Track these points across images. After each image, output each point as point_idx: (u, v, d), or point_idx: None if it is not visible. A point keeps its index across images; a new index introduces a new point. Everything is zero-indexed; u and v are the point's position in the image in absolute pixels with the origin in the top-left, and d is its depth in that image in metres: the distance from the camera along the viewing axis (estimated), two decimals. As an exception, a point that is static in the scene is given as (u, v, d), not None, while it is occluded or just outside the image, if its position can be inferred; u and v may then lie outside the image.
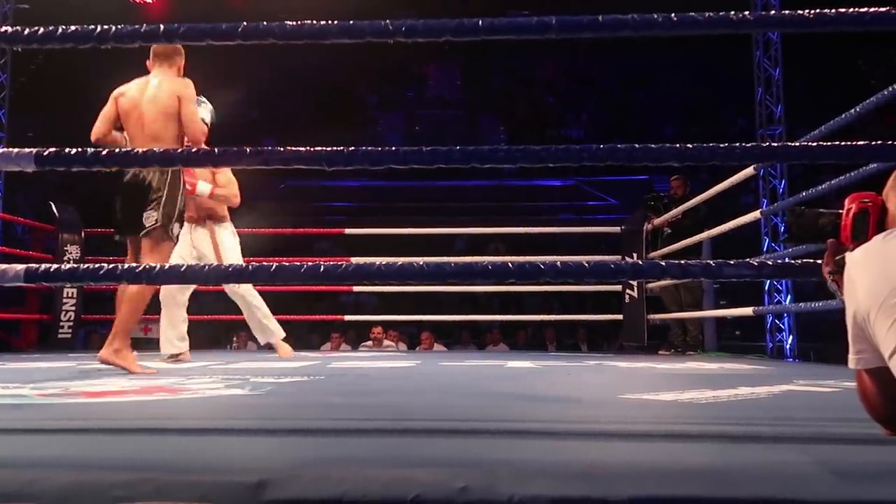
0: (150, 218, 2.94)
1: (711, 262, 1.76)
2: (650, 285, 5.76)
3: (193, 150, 1.87)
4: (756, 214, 4.67)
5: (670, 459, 1.06)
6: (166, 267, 1.84)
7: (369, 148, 1.90)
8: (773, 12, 1.77)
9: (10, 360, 3.87)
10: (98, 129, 3.15)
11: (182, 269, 1.80)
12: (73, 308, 5.74)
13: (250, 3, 10.47)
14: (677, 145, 1.76)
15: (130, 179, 2.99)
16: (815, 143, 2.11)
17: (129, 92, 3.15)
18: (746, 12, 1.76)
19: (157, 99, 3.07)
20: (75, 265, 1.66)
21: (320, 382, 2.51)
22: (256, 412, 1.68)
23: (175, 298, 3.89)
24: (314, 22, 1.83)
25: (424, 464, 1.00)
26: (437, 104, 15.73)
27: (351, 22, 1.84)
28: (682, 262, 1.68)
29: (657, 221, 5.73)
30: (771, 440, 1.27)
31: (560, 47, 13.19)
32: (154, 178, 2.96)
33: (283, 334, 4.28)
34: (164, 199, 2.96)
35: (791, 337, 6.49)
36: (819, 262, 1.76)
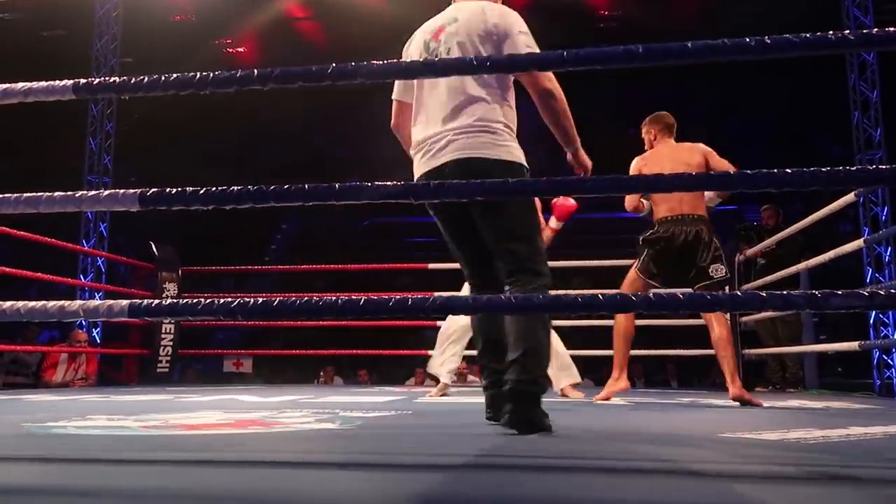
0: (720, 271, 3.46)
1: (816, 293, 1.66)
2: (744, 319, 5.52)
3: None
4: (859, 243, 4.42)
5: (786, 501, 0.99)
6: (259, 302, 1.89)
7: (455, 181, 1.91)
8: (875, 30, 1.68)
9: (113, 393, 4.05)
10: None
11: (275, 303, 1.84)
12: (171, 343, 5.99)
13: (333, 46, 10.86)
14: (775, 171, 1.69)
15: (693, 236, 3.47)
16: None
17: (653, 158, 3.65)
18: (847, 31, 1.68)
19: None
20: (175, 300, 1.72)
21: (408, 417, 2.51)
22: (349, 446, 1.69)
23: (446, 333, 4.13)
24: (400, 60, 1.87)
25: (521, 501, 0.97)
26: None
27: (436, 59, 1.87)
28: (785, 292, 1.59)
29: (750, 252, 5.52)
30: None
31: (643, 79, 13.02)
32: (707, 234, 3.49)
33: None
34: (721, 254, 3.51)
35: (901, 374, 6.08)
36: (937, 291, 1.64)
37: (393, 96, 2.21)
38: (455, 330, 4.05)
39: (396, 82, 2.23)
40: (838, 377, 8.03)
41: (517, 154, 2.06)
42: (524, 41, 2.02)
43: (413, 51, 2.17)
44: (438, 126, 2.04)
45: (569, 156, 2.19)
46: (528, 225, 2.06)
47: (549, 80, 2.03)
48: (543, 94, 2.04)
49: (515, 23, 2.04)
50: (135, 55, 9.72)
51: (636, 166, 3.71)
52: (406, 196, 1.78)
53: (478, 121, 2.01)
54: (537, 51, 2.02)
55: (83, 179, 7.52)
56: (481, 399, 3.73)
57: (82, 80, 1.91)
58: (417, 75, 2.07)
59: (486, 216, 2.01)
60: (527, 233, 2.04)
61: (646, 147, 3.79)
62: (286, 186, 1.76)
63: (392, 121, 2.23)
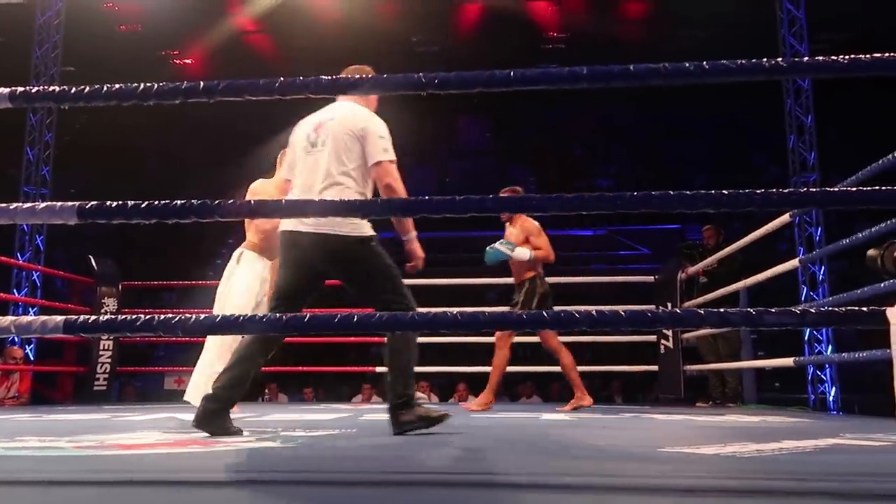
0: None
1: (752, 311, 1.71)
2: (686, 335, 5.65)
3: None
4: (794, 262, 4.58)
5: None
6: (201, 318, 1.86)
7: (403, 197, 1.92)
8: (806, 59, 1.76)
9: (46, 413, 3.90)
10: None
11: (217, 319, 1.81)
12: (109, 360, 5.80)
13: (283, 61, 10.78)
14: (713, 192, 1.74)
15: None
16: (854, 189, 2.08)
17: None
18: (780, 59, 1.75)
19: None
20: (112, 317, 1.68)
21: (352, 435, 2.48)
22: (288, 465, 1.66)
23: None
24: (349, 76, 1.87)
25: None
26: (467, 155, 15.87)
27: (385, 76, 1.88)
28: (722, 310, 1.64)
29: (691, 270, 5.66)
30: (819, 495, 1.22)
31: (589, 100, 13.29)
32: None
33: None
34: None
35: (834, 388, 6.28)
36: (864, 309, 1.71)
37: (283, 176, 2.59)
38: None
39: (286, 164, 2.57)
40: (776, 392, 8.25)
41: (365, 230, 2.40)
42: (382, 145, 2.45)
43: (297, 139, 2.55)
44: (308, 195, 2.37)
45: (406, 244, 2.53)
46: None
47: (395, 179, 2.42)
48: (386, 190, 2.42)
49: (376, 129, 2.47)
50: (77, 64, 9.48)
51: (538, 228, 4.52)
52: (356, 213, 1.78)
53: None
54: (391, 153, 2.45)
55: (20, 190, 7.26)
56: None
57: (20, 89, 1.86)
58: (364, 91, 2.07)
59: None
60: None
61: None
62: (231, 201, 1.74)
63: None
